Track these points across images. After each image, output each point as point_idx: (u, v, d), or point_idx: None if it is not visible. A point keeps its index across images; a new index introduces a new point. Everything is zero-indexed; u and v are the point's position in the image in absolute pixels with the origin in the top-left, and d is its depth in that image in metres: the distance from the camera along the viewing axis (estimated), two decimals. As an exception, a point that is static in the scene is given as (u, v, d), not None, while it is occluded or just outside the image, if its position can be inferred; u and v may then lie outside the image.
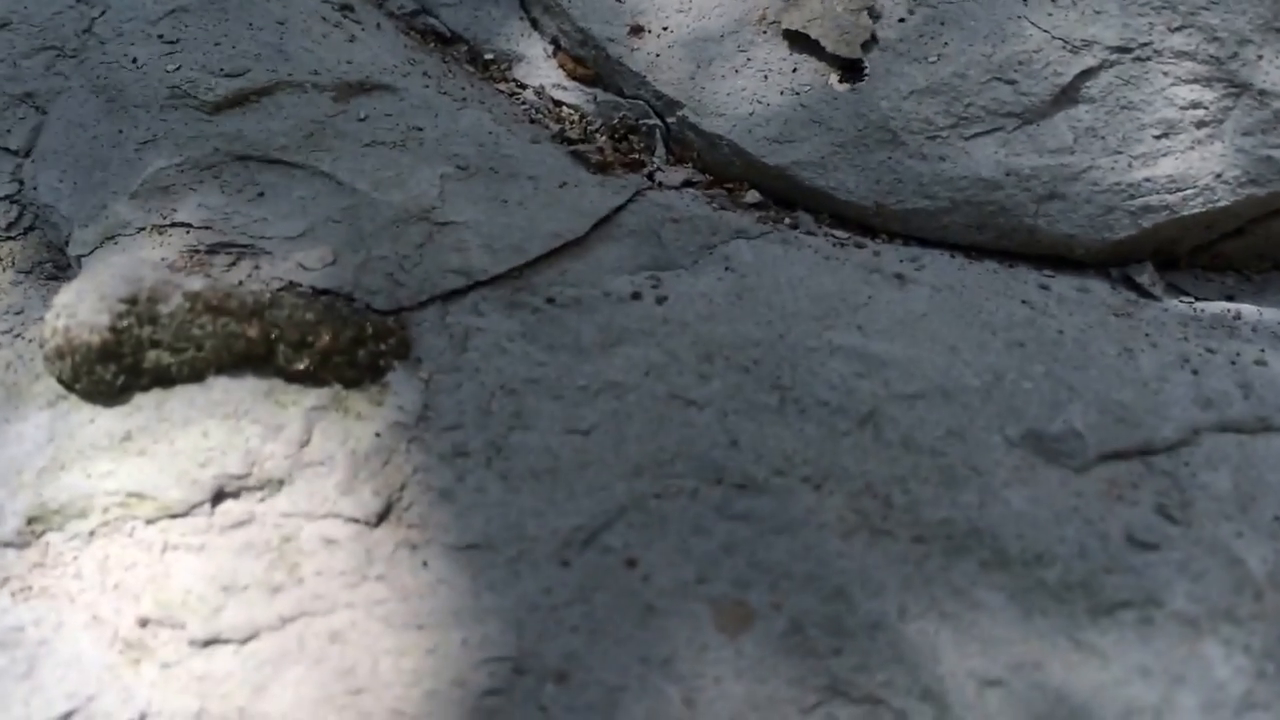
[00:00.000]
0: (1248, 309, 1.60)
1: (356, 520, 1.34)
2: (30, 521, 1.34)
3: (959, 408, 1.42)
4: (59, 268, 1.54)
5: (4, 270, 1.55)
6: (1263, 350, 1.52)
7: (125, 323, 1.38)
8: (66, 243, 1.54)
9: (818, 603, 1.29)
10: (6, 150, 1.64)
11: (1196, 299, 1.61)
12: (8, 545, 1.34)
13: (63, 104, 1.65)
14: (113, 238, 1.51)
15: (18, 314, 1.51)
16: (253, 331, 1.39)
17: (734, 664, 1.27)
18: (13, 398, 1.43)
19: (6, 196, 1.60)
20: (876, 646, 1.27)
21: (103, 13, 1.74)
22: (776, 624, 1.28)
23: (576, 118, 1.77)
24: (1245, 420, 1.43)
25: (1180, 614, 1.28)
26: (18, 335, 1.48)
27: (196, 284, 1.40)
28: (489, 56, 1.87)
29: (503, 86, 1.81)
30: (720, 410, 1.42)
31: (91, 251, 1.51)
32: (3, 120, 1.66)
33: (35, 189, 1.58)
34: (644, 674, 1.26)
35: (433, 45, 1.87)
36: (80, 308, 1.37)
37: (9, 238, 1.58)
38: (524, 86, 1.81)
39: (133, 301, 1.38)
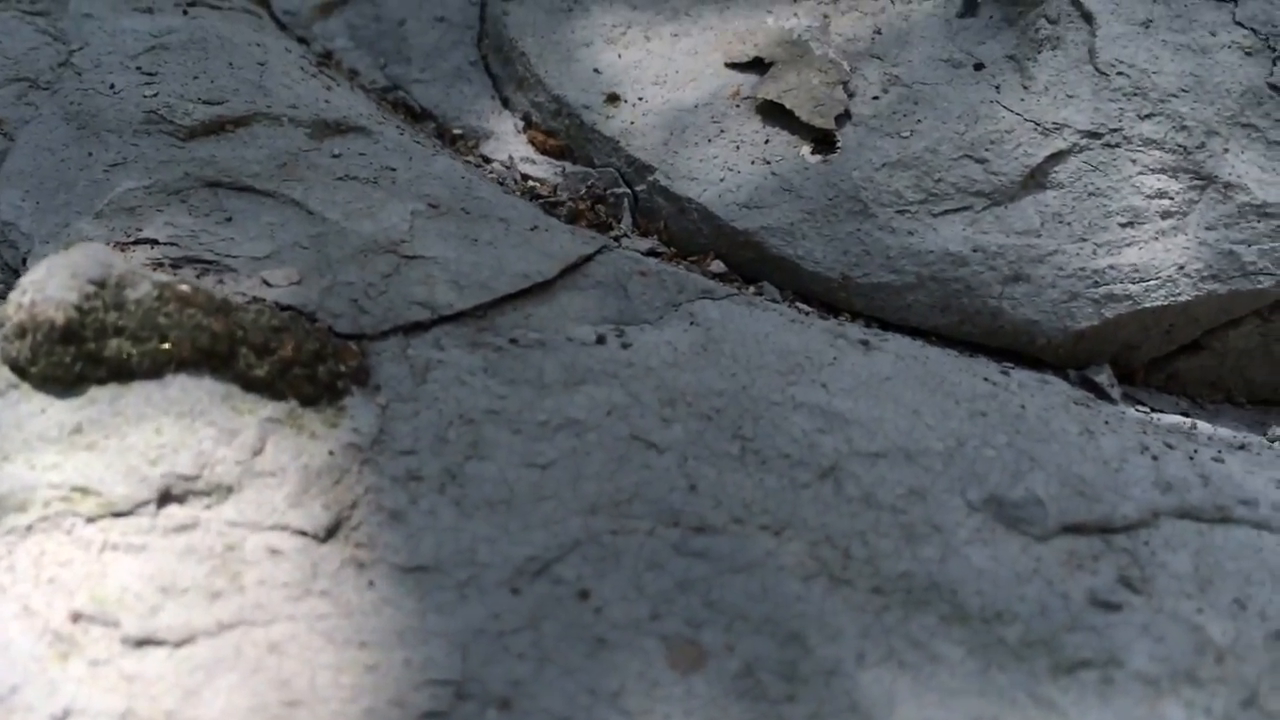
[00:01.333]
0: (1202, 424, 1.61)
1: (304, 534, 1.29)
2: (-36, 512, 1.29)
3: (920, 469, 1.41)
4: (9, 288, 1.50)
5: (-47, 289, 1.51)
6: (1219, 452, 1.52)
7: (92, 304, 1.33)
8: (24, 261, 1.51)
9: (773, 646, 1.25)
10: (-31, 173, 1.62)
11: (1153, 410, 1.62)
12: (-62, 534, 1.28)
13: (31, 130, 1.64)
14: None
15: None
16: (218, 326, 1.35)
17: (684, 703, 1.22)
18: (-42, 390, 1.38)
19: (-37, 215, 1.58)
20: (831, 694, 1.23)
21: (81, 48, 1.74)
22: (729, 665, 1.25)
23: (545, 189, 1.77)
24: (1204, 508, 1.42)
25: (1142, 674, 1.25)
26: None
27: (165, 277, 1.38)
28: (457, 132, 1.88)
29: (470, 158, 1.82)
30: (680, 455, 1.39)
31: (50, 264, 1.48)
32: (-32, 145, 1.64)
33: (-4, 207, 1.56)
34: (591, 705, 1.21)
35: (402, 118, 1.89)
36: (50, 283, 1.32)
37: (-39, 257, 1.55)
38: (490, 160, 1.82)
39: (102, 284, 1.34)
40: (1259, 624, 1.33)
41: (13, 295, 1.34)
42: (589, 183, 1.74)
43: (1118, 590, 1.32)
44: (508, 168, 1.79)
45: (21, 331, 1.32)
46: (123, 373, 1.35)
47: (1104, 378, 1.60)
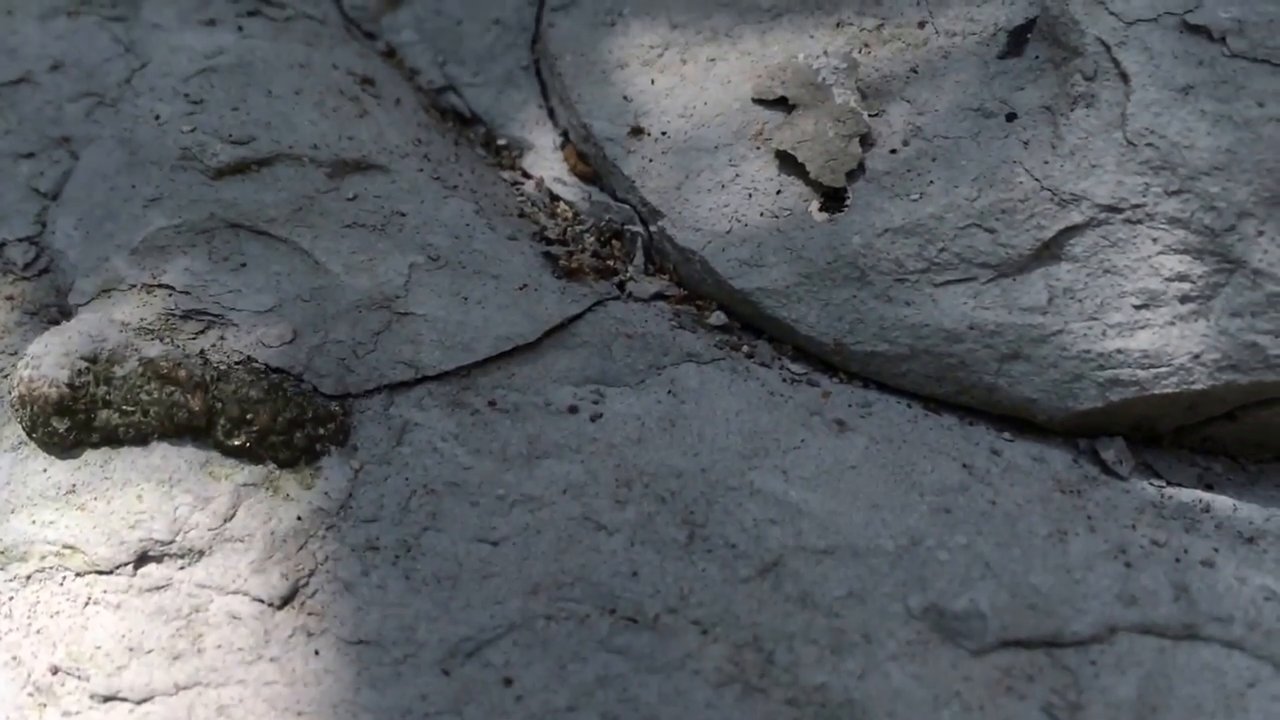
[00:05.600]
0: (1221, 501, 1.52)
1: (261, 601, 1.40)
2: (-22, 558, 1.44)
3: (866, 569, 1.40)
4: (63, 312, 1.63)
5: (12, 309, 1.65)
6: (1216, 550, 1.45)
7: (83, 380, 1.46)
8: (70, 289, 1.63)
9: (678, 752, 1.30)
10: (37, 192, 1.74)
11: (1168, 483, 1.54)
12: (-47, 578, 1.44)
13: (93, 152, 1.74)
14: (108, 291, 1.59)
15: (12, 355, 1.60)
16: (196, 404, 1.46)
17: (585, 800, 1.29)
18: (-13, 437, 1.53)
19: (28, 237, 1.70)
20: (726, 805, 1.27)
21: (144, 65, 1.82)
22: (634, 766, 1.30)
23: (570, 214, 1.78)
24: (1170, 624, 1.37)
25: (1029, 826, 1.24)
26: (6, 375, 1.58)
27: (154, 350, 1.48)
28: (502, 142, 1.90)
29: (507, 175, 1.84)
30: (629, 538, 1.43)
31: (89, 301, 1.59)
32: (39, 162, 1.76)
33: (54, 233, 1.67)
34: (493, 798, 1.28)
35: (451, 124, 1.92)
36: (45, 361, 1.46)
37: (23, 278, 1.68)
38: (529, 176, 1.84)
39: (93, 360, 1.47)
40: (1190, 767, 1.29)
41: (19, 365, 1.47)
42: (609, 216, 1.74)
43: (1035, 724, 1.30)
44: (539, 188, 1.81)
45: (23, 403, 1.45)
46: (113, 439, 1.47)
47: (1111, 453, 1.53)
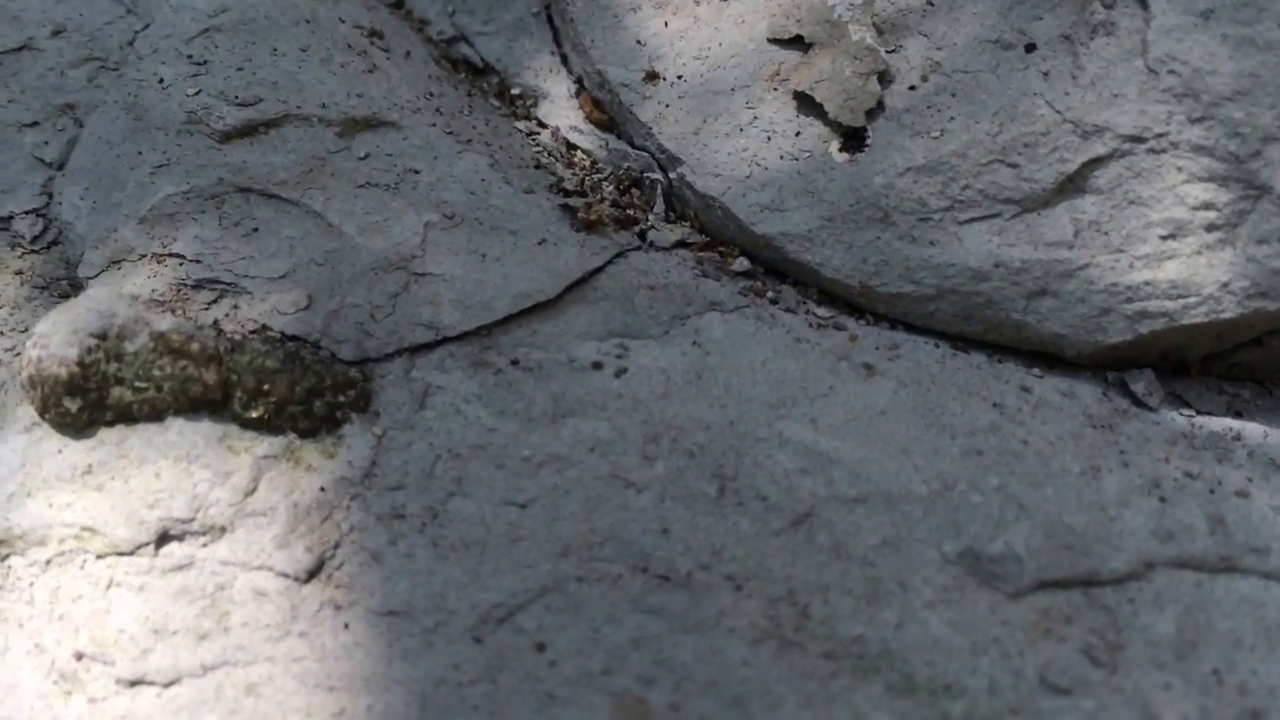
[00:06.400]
0: (1252, 429, 1.50)
1: (287, 575, 1.38)
2: (-2, 544, 1.43)
3: (899, 516, 1.38)
4: (74, 285, 1.61)
5: (22, 284, 1.62)
6: (1250, 480, 1.43)
7: (93, 358, 1.44)
8: (79, 262, 1.61)
9: (716, 709, 1.29)
10: (42, 162, 1.71)
11: (1198, 413, 1.52)
12: (-26, 565, 1.43)
13: (98, 119, 1.71)
14: (118, 262, 1.57)
15: (23, 332, 1.58)
16: (210, 377, 1.44)
17: (624, 761, 1.28)
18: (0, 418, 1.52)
19: (35, 210, 1.68)
20: (767, 761, 1.27)
21: (146, 26, 1.79)
22: (672, 725, 1.29)
23: (587, 163, 1.75)
24: (1207, 558, 1.36)
25: (1073, 771, 1.24)
26: (18, 354, 1.56)
27: (165, 323, 1.46)
28: (516, 91, 1.87)
29: (522, 125, 1.81)
30: (659, 495, 1.41)
31: (98, 274, 1.57)
32: (43, 131, 1.73)
33: (60, 204, 1.65)
34: (533, 762, 1.28)
35: (463, 75, 1.88)
36: (53, 339, 1.44)
37: (32, 251, 1.66)
38: (544, 126, 1.81)
39: (102, 337, 1.44)
40: (1234, 700, 1.28)
41: (27, 345, 1.45)
42: (627, 164, 1.71)
43: (1076, 669, 1.29)
44: (555, 137, 1.78)
45: (33, 383, 1.43)
46: (127, 416, 1.45)
47: (1141, 385, 1.51)
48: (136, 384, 1.45)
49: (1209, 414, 1.53)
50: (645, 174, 1.70)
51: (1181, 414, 1.52)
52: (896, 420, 1.46)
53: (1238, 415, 1.53)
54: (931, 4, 1.64)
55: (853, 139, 1.60)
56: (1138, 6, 1.51)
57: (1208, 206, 1.46)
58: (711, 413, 1.46)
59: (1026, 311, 1.50)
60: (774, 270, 1.63)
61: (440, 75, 1.84)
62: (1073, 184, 1.51)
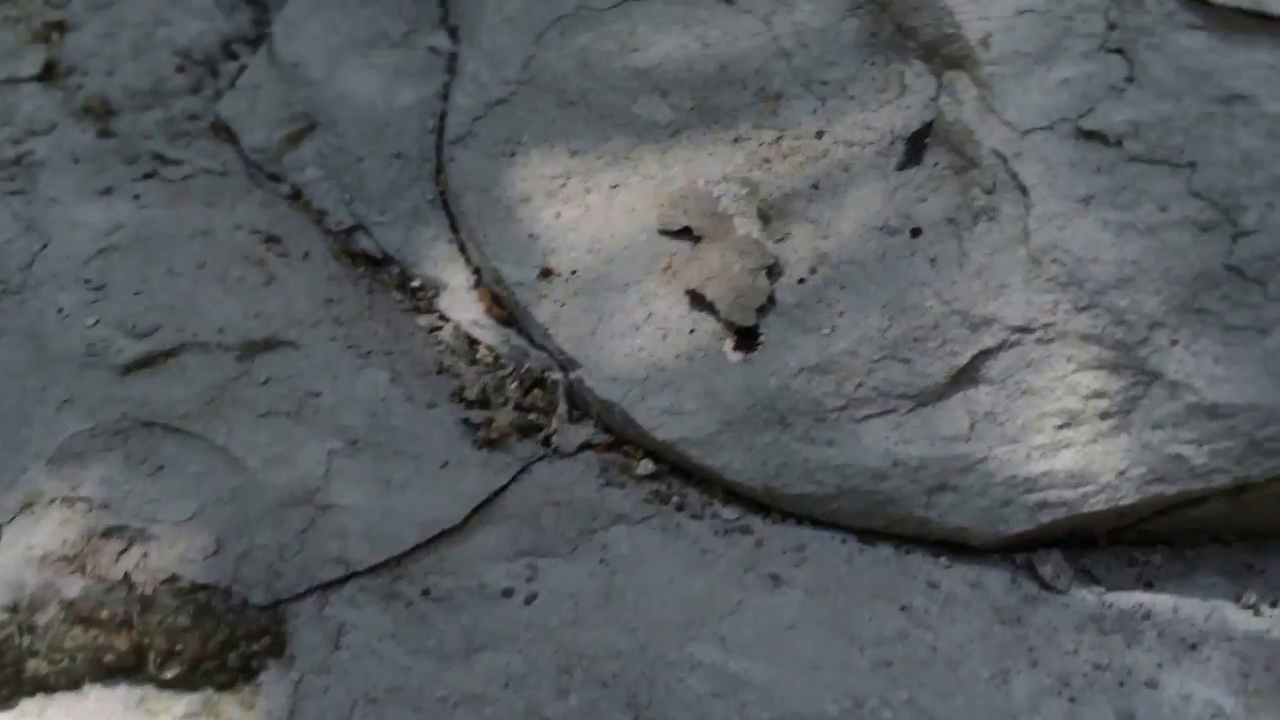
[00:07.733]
0: (1162, 603, 1.51)
1: None
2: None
3: (812, 737, 1.40)
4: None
5: (-64, 528, 1.63)
6: (1159, 665, 1.45)
7: (6, 632, 1.45)
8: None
9: None
10: (-51, 398, 1.71)
11: (1108, 589, 1.53)
12: None
13: (2, 348, 1.70)
14: (29, 505, 1.57)
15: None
16: (122, 644, 1.45)
17: None
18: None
19: (-62, 450, 1.68)
20: None
21: (44, 245, 1.78)
22: None
23: (490, 359, 1.74)
24: (1116, 758, 1.38)
25: None
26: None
27: (74, 589, 1.47)
28: (416, 284, 1.85)
29: (424, 320, 1.80)
30: (573, 729, 1.43)
31: (11, 519, 1.57)
32: (-52, 363, 1.73)
33: (-33, 443, 1.65)
34: None
35: (363, 270, 1.86)
36: (-36, 616, 1.45)
37: (-62, 494, 1.66)
38: (446, 319, 1.79)
39: (14, 610, 1.46)
40: None
41: (-64, 621, 1.46)
42: (528, 363, 1.71)
43: None
44: (456, 334, 1.77)
45: (-54, 662, 1.45)
46: (45, 687, 1.46)
47: (1049, 568, 1.52)
48: (51, 655, 1.46)
49: (1119, 589, 1.54)
50: (546, 373, 1.70)
51: (1091, 592, 1.53)
52: (805, 635, 1.47)
53: (1148, 586, 1.54)
54: (816, 187, 1.65)
55: (746, 336, 1.60)
56: (1018, 192, 1.52)
57: (1099, 395, 1.47)
58: (622, 638, 1.47)
59: (928, 507, 1.51)
60: (679, 469, 1.63)
61: (340, 274, 1.83)
62: (965, 375, 1.52)
